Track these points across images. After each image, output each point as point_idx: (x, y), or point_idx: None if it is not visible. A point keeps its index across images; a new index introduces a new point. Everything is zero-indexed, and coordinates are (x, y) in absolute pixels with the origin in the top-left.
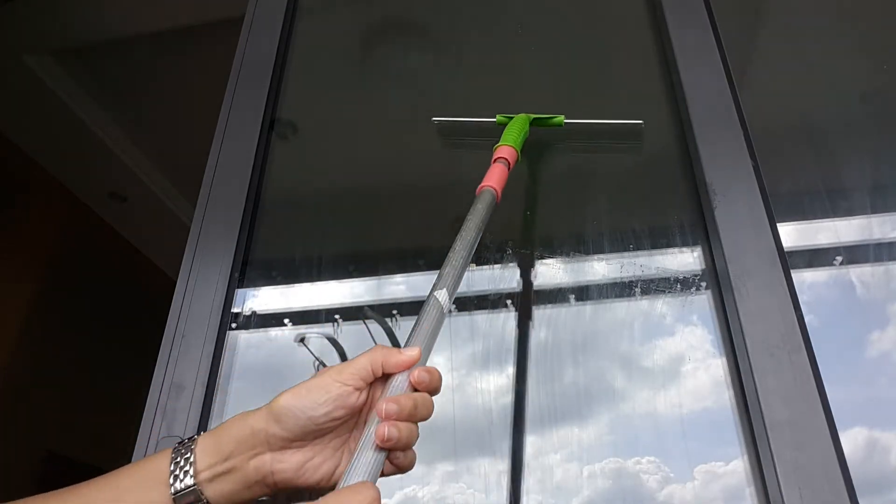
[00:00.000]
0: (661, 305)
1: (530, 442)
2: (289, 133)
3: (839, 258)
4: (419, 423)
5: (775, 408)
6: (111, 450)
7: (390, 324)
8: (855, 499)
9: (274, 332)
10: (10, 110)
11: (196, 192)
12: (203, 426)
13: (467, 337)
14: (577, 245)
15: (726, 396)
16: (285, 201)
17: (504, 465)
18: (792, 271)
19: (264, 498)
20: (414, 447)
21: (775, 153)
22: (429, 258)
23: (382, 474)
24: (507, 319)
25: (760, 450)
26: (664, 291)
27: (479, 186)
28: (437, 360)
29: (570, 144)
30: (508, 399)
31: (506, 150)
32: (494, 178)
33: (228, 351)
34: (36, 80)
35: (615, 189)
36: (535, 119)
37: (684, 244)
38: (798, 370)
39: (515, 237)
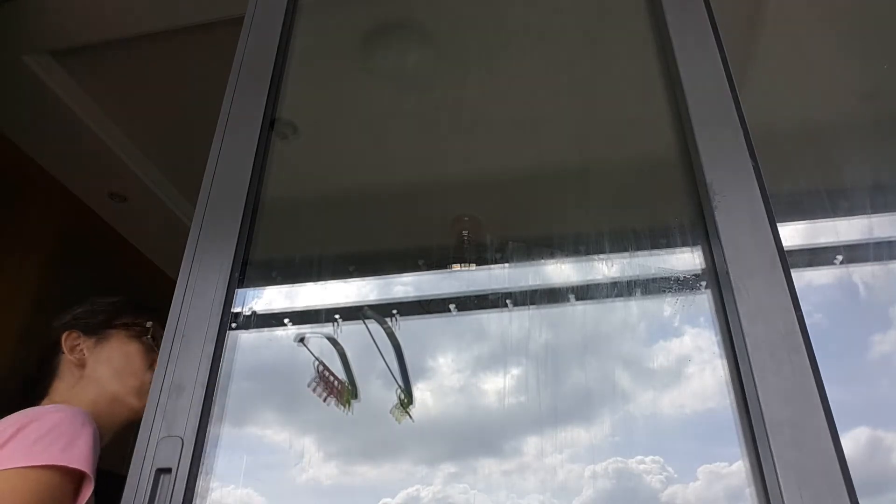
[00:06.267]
0: (662, 305)
1: (532, 442)
2: (289, 133)
3: (839, 257)
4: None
5: (775, 408)
6: (111, 450)
7: (390, 323)
8: (855, 499)
9: (274, 331)
10: (10, 110)
11: (196, 192)
12: (203, 426)
13: (468, 338)
14: (578, 245)
15: (726, 396)
16: (285, 201)
17: (507, 466)
18: (792, 271)
19: None
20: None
21: (775, 153)
22: (429, 258)
23: None
24: (507, 320)
25: (760, 450)
26: (664, 291)
27: None
28: (441, 362)
29: None
30: (510, 400)
31: None
32: None
33: (228, 351)
34: (36, 80)
35: (615, 189)
36: None
37: (684, 244)
38: (798, 370)
39: (516, 237)
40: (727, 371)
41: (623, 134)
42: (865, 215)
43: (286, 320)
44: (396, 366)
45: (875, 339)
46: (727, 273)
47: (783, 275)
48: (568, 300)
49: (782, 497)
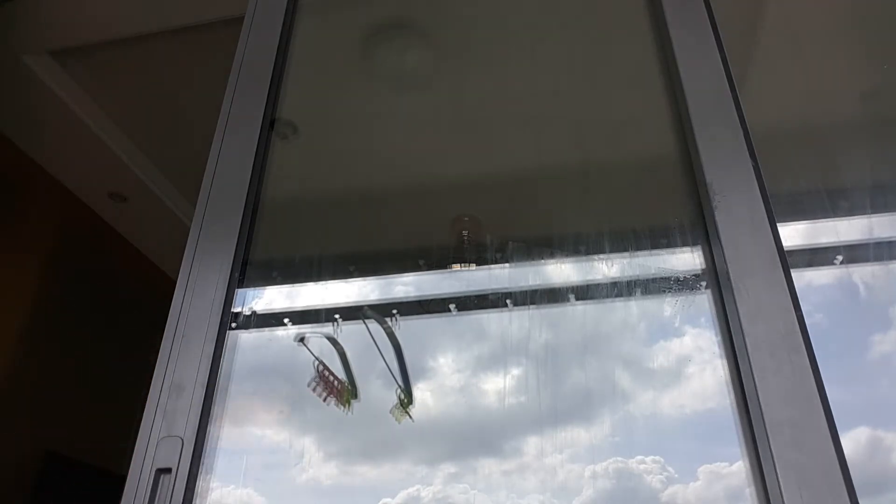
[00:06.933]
0: (662, 306)
1: (532, 442)
2: (289, 133)
3: (839, 257)
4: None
5: (775, 408)
6: (111, 450)
7: (390, 323)
8: (855, 499)
9: (274, 331)
10: (10, 110)
11: (196, 192)
12: (203, 426)
13: (468, 338)
14: (578, 245)
15: (726, 396)
16: (285, 201)
17: (507, 466)
18: (792, 271)
19: None
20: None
21: (775, 153)
22: (429, 258)
23: None
24: (507, 319)
25: (760, 450)
26: (664, 292)
27: None
28: (442, 362)
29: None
30: (510, 400)
31: None
32: None
33: (228, 351)
34: (36, 80)
35: (615, 189)
36: None
37: (684, 244)
38: (798, 370)
39: (516, 237)
40: (727, 371)
41: (623, 134)
42: (865, 215)
43: (286, 320)
44: (396, 366)
45: (875, 339)
46: (727, 273)
47: (783, 275)
48: (568, 300)
49: (782, 497)
